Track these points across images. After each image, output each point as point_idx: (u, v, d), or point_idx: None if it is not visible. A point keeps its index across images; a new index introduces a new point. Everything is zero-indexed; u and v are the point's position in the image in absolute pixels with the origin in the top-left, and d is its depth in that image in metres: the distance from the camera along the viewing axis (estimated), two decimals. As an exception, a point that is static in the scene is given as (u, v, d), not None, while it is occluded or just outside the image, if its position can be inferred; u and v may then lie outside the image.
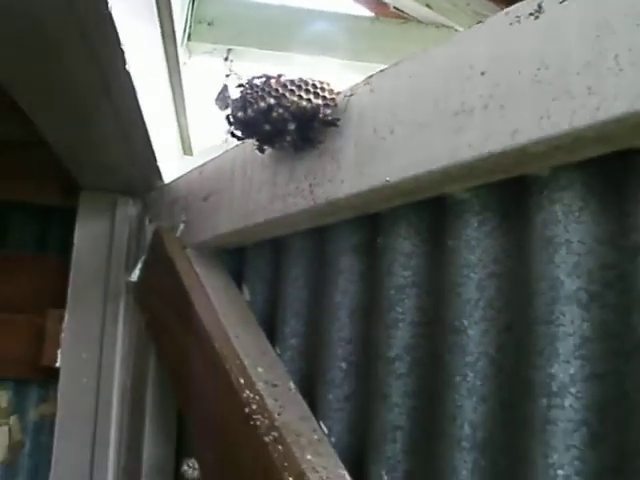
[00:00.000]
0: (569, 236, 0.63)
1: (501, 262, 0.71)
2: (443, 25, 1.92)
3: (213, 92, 1.76)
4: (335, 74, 1.98)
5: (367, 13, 2.01)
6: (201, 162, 1.17)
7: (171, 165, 1.41)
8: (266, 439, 0.79)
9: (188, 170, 1.22)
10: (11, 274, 1.58)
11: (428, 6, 1.88)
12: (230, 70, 1.73)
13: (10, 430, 1.70)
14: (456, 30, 1.91)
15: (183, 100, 1.58)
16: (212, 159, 1.11)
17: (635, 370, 0.59)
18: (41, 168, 1.52)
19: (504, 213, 0.72)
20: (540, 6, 0.60)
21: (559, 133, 0.58)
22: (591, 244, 0.63)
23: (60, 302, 1.48)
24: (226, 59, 1.81)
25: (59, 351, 1.44)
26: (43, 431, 1.61)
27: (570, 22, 0.58)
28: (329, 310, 0.88)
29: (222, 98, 1.77)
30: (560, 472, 0.61)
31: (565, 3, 0.58)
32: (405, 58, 0.74)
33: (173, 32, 1.26)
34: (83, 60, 0.85)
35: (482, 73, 0.64)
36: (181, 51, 1.51)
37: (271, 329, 1.00)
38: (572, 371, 0.62)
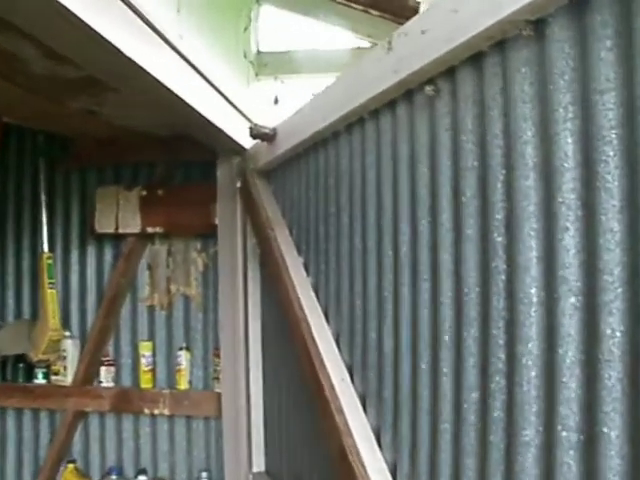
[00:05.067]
0: None
1: None
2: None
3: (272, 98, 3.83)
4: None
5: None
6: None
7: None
8: (268, 230, 2.87)
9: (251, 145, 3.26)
10: (194, 191, 3.76)
11: (369, 36, 3.77)
12: (277, 89, 3.77)
13: (203, 259, 3.93)
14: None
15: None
16: (253, 145, 3.14)
17: None
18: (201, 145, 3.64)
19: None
20: None
21: None
22: None
23: (215, 199, 3.62)
24: (275, 79, 3.85)
25: (216, 218, 3.60)
26: (216, 258, 3.76)
27: None
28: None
29: (275, 100, 3.83)
30: None
31: None
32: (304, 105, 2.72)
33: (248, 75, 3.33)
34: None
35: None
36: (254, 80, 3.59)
37: (277, 198, 3.04)
38: None
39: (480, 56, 1.48)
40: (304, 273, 2.55)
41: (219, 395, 3.61)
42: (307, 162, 2.55)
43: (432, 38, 1.55)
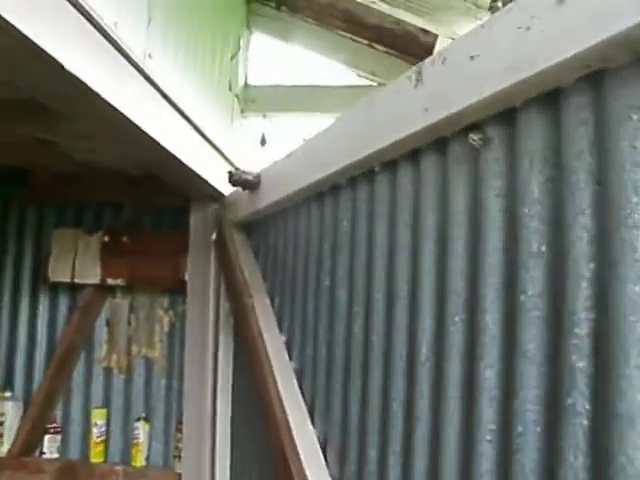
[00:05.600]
0: None
1: None
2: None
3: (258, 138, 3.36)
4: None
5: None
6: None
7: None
8: (244, 297, 2.38)
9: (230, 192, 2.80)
10: (163, 241, 3.27)
11: (372, 73, 3.33)
12: (265, 128, 3.31)
13: (170, 317, 3.43)
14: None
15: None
16: (232, 193, 2.67)
17: None
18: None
19: None
20: None
21: None
22: None
23: (186, 251, 3.14)
24: (264, 117, 3.39)
25: (186, 273, 3.11)
26: (185, 317, 3.26)
27: None
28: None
29: (262, 140, 3.37)
30: None
31: None
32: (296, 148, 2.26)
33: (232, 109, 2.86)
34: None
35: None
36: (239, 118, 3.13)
37: (256, 253, 2.56)
38: None
39: (558, 93, 1.01)
40: (286, 356, 2.05)
41: (179, 476, 3.13)
42: (296, 219, 2.08)
43: (486, 67, 1.09)
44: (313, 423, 1.86)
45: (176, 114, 2.28)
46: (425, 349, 1.31)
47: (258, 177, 2.31)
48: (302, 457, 1.77)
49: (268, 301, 2.29)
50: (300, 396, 1.92)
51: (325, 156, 1.73)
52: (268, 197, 2.22)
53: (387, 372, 1.45)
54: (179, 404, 3.26)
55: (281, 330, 2.17)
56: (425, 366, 1.31)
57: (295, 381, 1.97)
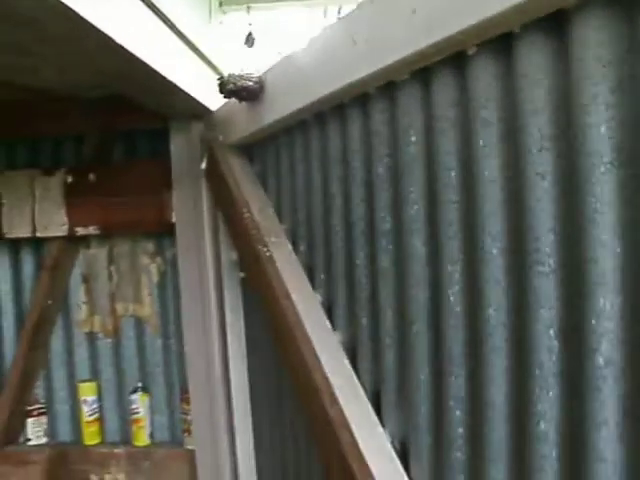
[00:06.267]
0: None
1: None
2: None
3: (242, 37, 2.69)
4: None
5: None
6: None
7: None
8: (252, 232, 1.79)
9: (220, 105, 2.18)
10: (140, 174, 2.64)
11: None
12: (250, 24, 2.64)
13: (158, 265, 2.84)
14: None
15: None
16: (222, 107, 2.05)
17: None
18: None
19: None
20: None
21: None
22: None
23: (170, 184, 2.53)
24: (248, 11, 2.71)
25: (173, 213, 2.51)
26: (176, 263, 2.68)
27: None
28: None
29: (249, 40, 2.70)
30: None
31: None
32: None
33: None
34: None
35: None
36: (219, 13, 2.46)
37: (264, 184, 1.97)
38: None
39: None
40: (328, 324, 1.50)
41: (192, 453, 2.66)
42: (325, 131, 1.48)
43: None
44: (382, 421, 1.32)
45: (143, 7, 1.65)
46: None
47: (260, 82, 1.70)
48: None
49: (290, 247, 1.72)
50: (358, 383, 1.37)
51: (353, 54, 1.14)
52: (278, 108, 1.62)
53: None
54: (181, 368, 2.75)
55: (314, 287, 1.61)
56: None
57: (347, 362, 1.42)
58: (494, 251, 0.96)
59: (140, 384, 2.80)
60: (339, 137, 1.42)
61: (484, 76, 0.96)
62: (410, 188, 1.15)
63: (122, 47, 1.49)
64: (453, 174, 1.04)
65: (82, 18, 1.30)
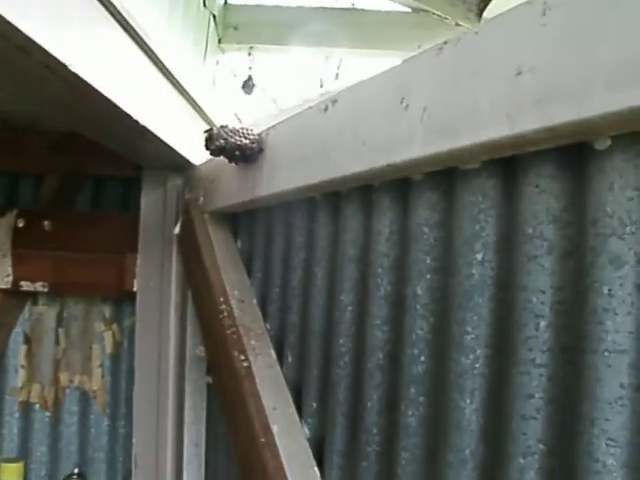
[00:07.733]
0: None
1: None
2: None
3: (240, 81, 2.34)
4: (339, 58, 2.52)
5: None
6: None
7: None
8: (227, 332, 1.41)
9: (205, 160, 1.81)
10: (103, 228, 2.26)
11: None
12: (250, 68, 2.29)
13: (113, 333, 2.43)
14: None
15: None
16: (210, 160, 1.68)
17: None
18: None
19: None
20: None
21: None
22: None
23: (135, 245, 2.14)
24: (250, 52, 2.37)
25: (135, 280, 2.11)
26: (134, 333, 2.28)
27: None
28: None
29: (247, 85, 2.35)
30: None
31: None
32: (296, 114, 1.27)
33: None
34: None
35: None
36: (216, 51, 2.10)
37: (249, 266, 1.60)
38: None
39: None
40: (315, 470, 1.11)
41: None
42: (335, 218, 1.11)
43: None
44: None
45: (120, 31, 1.28)
46: None
47: (259, 142, 1.33)
48: None
49: (274, 357, 1.33)
50: None
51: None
52: (281, 179, 1.25)
53: None
54: (127, 457, 2.32)
55: (302, 416, 1.22)
56: None
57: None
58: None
59: (77, 470, 2.41)
60: (361, 225, 1.05)
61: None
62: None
63: (87, 82, 1.12)
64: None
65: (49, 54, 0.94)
